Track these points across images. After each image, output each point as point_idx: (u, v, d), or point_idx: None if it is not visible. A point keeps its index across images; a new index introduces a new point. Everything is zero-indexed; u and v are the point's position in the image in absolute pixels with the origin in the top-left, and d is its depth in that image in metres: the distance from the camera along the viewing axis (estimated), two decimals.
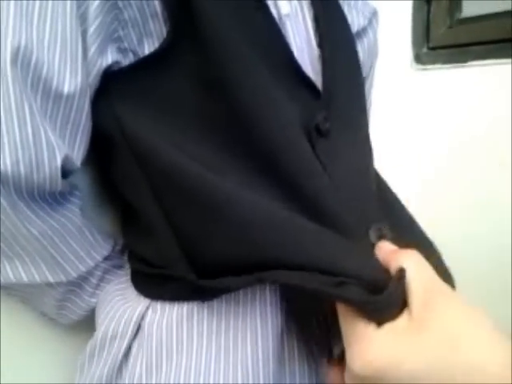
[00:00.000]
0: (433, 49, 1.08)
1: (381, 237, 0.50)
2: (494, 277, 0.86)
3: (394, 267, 0.44)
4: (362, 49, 0.67)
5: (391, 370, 0.39)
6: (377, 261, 0.46)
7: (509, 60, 0.96)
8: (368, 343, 0.41)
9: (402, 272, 0.42)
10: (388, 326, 0.41)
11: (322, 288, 0.43)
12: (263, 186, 0.49)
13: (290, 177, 0.49)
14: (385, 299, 0.42)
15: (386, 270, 0.45)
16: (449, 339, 0.38)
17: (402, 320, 0.41)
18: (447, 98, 1.07)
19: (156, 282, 0.54)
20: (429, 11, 1.08)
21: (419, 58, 1.09)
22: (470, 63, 1.03)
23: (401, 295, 0.42)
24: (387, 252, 0.46)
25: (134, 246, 0.58)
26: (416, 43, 1.10)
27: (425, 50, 1.09)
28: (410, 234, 0.58)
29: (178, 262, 0.51)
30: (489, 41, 1.01)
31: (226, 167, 0.49)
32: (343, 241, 0.48)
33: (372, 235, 0.50)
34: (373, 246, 0.49)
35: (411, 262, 0.43)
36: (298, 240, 0.46)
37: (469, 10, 1.05)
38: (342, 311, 0.44)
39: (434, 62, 1.08)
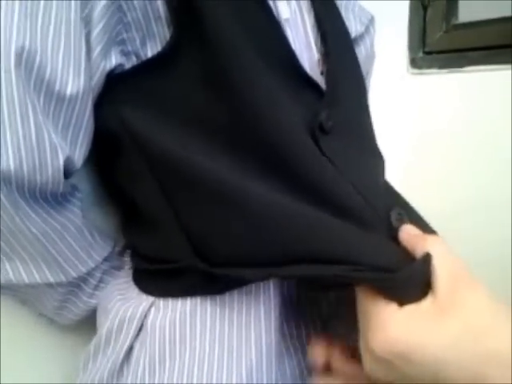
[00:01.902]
0: (429, 53, 1.09)
1: (401, 221, 0.50)
2: (493, 269, 0.86)
3: (419, 251, 0.44)
4: (359, 55, 0.68)
5: (412, 352, 0.39)
6: (395, 247, 0.47)
7: (505, 66, 0.96)
8: (389, 322, 0.41)
9: (427, 256, 0.43)
10: (410, 307, 0.41)
11: (342, 273, 0.44)
12: (273, 185, 0.49)
13: (299, 173, 0.50)
14: (405, 275, 0.42)
15: (408, 254, 0.45)
16: (471, 327, 0.39)
17: (426, 303, 0.41)
18: (443, 103, 1.07)
19: (160, 279, 0.54)
20: (425, 16, 1.09)
21: (415, 63, 1.10)
22: (465, 68, 1.04)
23: (424, 277, 0.42)
24: (412, 235, 0.47)
25: (137, 244, 0.58)
26: (412, 47, 1.10)
27: (421, 54, 1.10)
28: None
29: (188, 257, 0.51)
30: (484, 46, 1.01)
31: (235, 165, 0.50)
32: (359, 231, 0.48)
33: (393, 219, 0.51)
34: (393, 230, 0.49)
35: (438, 248, 0.43)
36: (312, 233, 0.47)
37: (465, 15, 1.06)
38: (362, 296, 0.45)
39: (429, 67, 1.08)
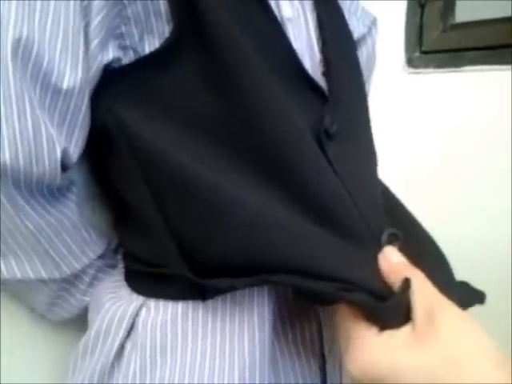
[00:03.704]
0: (425, 53, 1.09)
1: (391, 242, 0.50)
2: (493, 278, 0.86)
3: (395, 280, 0.44)
4: (360, 57, 0.66)
5: (386, 376, 0.39)
6: (379, 270, 0.46)
7: (502, 66, 0.97)
8: (368, 345, 0.42)
9: (407, 282, 0.43)
10: (389, 333, 0.42)
11: (334, 291, 0.43)
12: (271, 192, 0.48)
13: (300, 182, 0.49)
14: (392, 305, 0.42)
15: (384, 281, 0.45)
16: (449, 357, 0.39)
17: (405, 330, 0.41)
18: (439, 102, 1.08)
19: (151, 281, 0.53)
20: (422, 15, 1.09)
21: (412, 62, 1.10)
22: (462, 68, 1.04)
23: (405, 305, 0.42)
24: (390, 263, 0.46)
25: (128, 244, 0.58)
26: (409, 47, 1.10)
27: (417, 53, 1.10)
28: (413, 239, 0.58)
29: (176, 262, 0.50)
30: (481, 46, 1.01)
31: (231, 170, 0.49)
32: (349, 248, 0.48)
33: (383, 239, 0.50)
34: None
35: (415, 278, 0.44)
36: (302, 245, 0.46)
37: (461, 15, 1.06)
38: (344, 315, 0.45)
39: (426, 66, 1.08)
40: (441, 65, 1.07)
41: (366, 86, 0.74)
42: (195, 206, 0.48)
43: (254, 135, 0.48)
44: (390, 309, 0.42)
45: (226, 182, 0.48)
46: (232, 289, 0.49)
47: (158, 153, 0.49)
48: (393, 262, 0.47)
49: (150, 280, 0.54)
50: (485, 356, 0.39)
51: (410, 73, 1.10)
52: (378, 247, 0.49)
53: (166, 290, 0.52)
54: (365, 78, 0.70)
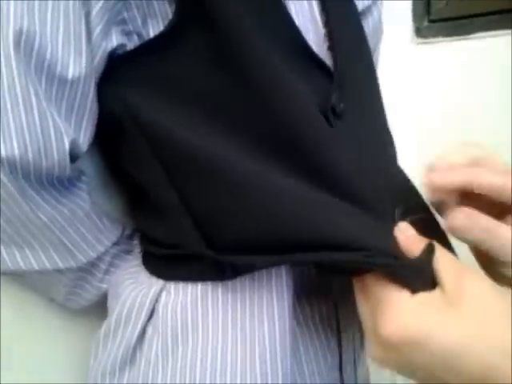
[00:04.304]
0: (434, 22, 1.07)
1: (403, 218, 0.49)
2: None
3: (414, 251, 0.44)
4: (366, 28, 0.66)
5: (423, 340, 0.39)
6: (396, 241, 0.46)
7: (510, 31, 0.95)
8: (402, 309, 0.41)
9: (431, 246, 0.43)
10: (422, 295, 0.41)
11: (362, 259, 0.43)
12: (284, 168, 0.48)
13: (311, 154, 0.48)
14: (417, 264, 0.42)
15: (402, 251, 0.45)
16: (482, 316, 0.39)
17: (436, 293, 0.41)
18: (449, 72, 1.06)
19: (170, 263, 0.54)
20: None
21: (420, 32, 1.08)
22: (471, 35, 1.02)
23: (431, 267, 0.42)
24: (407, 236, 0.46)
25: (145, 228, 0.58)
26: (417, 16, 1.08)
27: (426, 23, 1.08)
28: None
29: (193, 240, 0.50)
30: (490, 12, 1.00)
31: (242, 148, 0.49)
32: (367, 218, 0.48)
33: (397, 216, 0.50)
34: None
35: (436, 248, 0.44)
36: (321, 217, 0.46)
37: None
38: (372, 282, 0.44)
39: (435, 36, 1.07)
40: (450, 33, 1.05)
41: (374, 58, 0.73)
42: (211, 185, 0.49)
43: (261, 114, 0.48)
44: (418, 270, 0.42)
45: (239, 159, 0.48)
46: (253, 267, 0.49)
47: (167, 134, 0.49)
48: (410, 233, 0.47)
49: (168, 262, 0.54)
50: None
51: (418, 43, 1.08)
52: (392, 222, 0.49)
53: (184, 271, 0.52)
54: (372, 49, 0.69)
